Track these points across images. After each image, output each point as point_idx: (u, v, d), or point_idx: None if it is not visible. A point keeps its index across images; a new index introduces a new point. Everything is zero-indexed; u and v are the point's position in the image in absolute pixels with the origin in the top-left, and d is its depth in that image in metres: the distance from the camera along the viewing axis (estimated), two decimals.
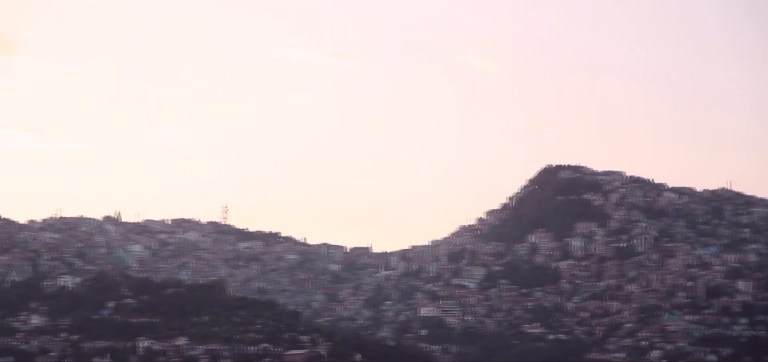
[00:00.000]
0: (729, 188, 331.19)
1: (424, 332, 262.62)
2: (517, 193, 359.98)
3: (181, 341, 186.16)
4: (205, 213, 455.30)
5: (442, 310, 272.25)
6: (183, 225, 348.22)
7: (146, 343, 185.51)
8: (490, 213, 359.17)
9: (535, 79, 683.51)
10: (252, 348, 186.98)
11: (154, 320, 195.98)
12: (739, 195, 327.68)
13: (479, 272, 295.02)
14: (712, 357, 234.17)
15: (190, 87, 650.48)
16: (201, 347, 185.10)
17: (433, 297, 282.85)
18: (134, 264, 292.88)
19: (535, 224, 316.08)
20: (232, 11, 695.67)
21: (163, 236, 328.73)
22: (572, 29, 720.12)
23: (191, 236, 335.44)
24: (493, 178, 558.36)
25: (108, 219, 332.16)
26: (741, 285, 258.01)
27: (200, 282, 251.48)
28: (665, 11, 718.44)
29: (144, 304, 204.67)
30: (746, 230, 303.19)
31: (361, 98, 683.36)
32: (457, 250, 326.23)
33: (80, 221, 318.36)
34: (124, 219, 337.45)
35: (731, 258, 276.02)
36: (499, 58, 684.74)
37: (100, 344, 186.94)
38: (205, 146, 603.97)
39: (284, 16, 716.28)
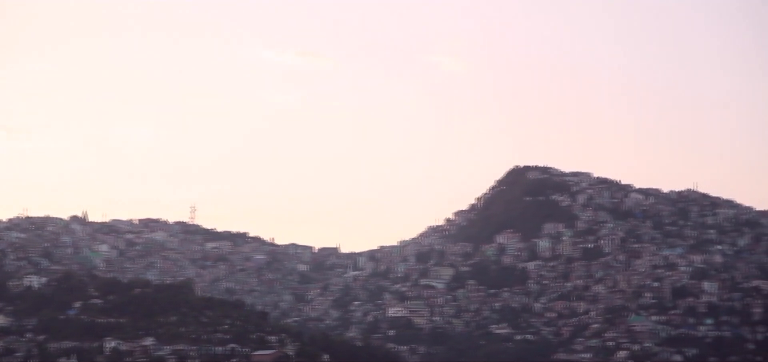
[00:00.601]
0: (695, 190, 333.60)
1: (392, 332, 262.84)
2: (485, 194, 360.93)
3: (149, 341, 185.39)
4: (172, 213, 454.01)
5: (410, 311, 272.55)
6: (150, 225, 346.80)
7: (113, 343, 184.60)
8: (458, 213, 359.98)
9: (504, 80, 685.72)
10: (219, 348, 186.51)
11: (121, 320, 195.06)
12: (704, 196, 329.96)
13: (447, 272, 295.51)
14: (678, 358, 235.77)
15: (158, 86, 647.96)
16: (168, 347, 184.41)
17: (401, 298, 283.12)
18: (101, 264, 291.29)
19: (502, 225, 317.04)
20: (201, 11, 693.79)
21: (130, 236, 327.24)
22: (540, 31, 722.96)
23: (158, 236, 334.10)
24: (461, 179, 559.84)
25: (75, 218, 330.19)
26: (706, 285, 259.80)
27: (167, 282, 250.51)
28: (631, 12, 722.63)
29: (111, 304, 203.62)
30: (712, 231, 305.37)
31: (330, 98, 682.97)
32: (425, 251, 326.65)
33: (47, 220, 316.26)
34: (90, 218, 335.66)
35: (697, 259, 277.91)
36: (468, 58, 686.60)
37: (67, 344, 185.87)
38: (173, 146, 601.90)
39: (254, 17, 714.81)
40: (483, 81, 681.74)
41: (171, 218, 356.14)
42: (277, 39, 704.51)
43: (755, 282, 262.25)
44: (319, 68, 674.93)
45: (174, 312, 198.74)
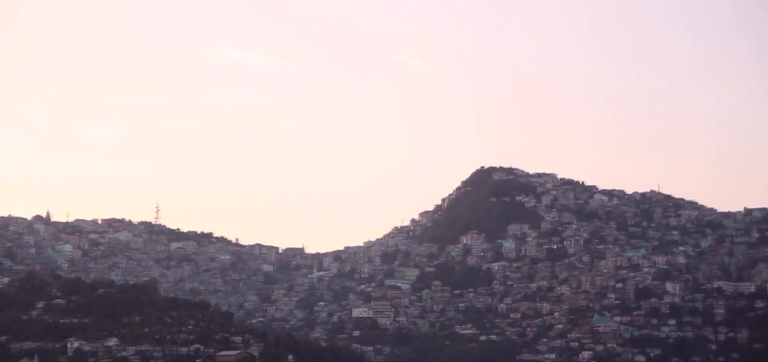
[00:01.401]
0: (658, 191, 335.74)
1: (356, 333, 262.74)
2: (451, 195, 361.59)
3: (112, 342, 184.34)
4: (137, 213, 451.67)
5: (375, 311, 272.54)
6: (114, 225, 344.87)
7: (76, 344, 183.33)
8: (424, 214, 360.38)
9: (470, 81, 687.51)
10: (184, 349, 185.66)
11: (84, 321, 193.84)
12: (668, 198, 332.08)
13: (412, 273, 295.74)
14: (641, 358, 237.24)
15: (123, 85, 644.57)
16: (132, 348, 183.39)
17: (366, 298, 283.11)
18: (64, 265, 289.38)
19: (468, 226, 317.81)
20: (167, 9, 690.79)
21: (94, 236, 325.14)
22: (506, 33, 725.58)
23: (123, 236, 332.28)
24: (426, 180, 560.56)
25: (38, 218, 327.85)
26: (669, 286, 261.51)
27: (132, 282, 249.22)
28: (596, 15, 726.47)
29: (74, 305, 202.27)
30: (675, 233, 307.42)
31: (296, 98, 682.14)
32: (390, 251, 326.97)
33: (9, 220, 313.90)
34: (54, 218, 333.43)
35: (660, 260, 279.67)
36: (434, 59, 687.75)
37: (29, 345, 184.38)
38: (138, 145, 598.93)
39: (220, 15, 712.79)
40: (449, 82, 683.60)
41: (135, 218, 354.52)
42: (244, 38, 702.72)
43: (717, 283, 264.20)
44: (285, 68, 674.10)
45: (138, 313, 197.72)
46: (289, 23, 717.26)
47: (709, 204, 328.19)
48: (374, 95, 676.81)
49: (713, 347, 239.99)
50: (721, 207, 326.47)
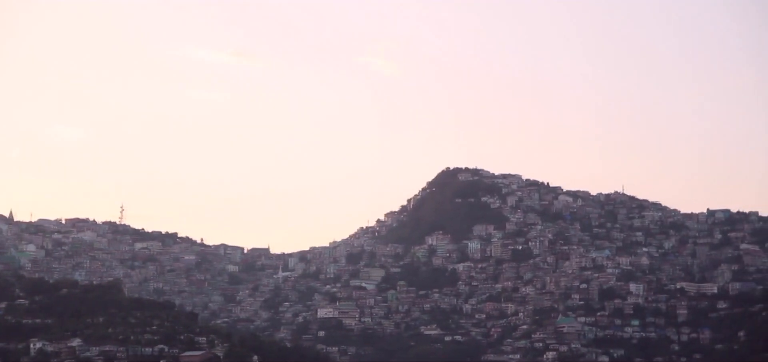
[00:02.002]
0: (622, 192, 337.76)
1: (322, 333, 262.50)
2: (416, 196, 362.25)
3: (76, 342, 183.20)
4: (101, 213, 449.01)
5: (341, 312, 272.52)
6: (78, 224, 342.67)
7: (39, 344, 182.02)
8: (389, 215, 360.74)
9: (436, 82, 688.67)
10: (148, 349, 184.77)
11: (47, 321, 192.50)
12: (632, 199, 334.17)
13: (378, 274, 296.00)
14: (605, 358, 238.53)
15: (88, 85, 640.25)
16: (96, 348, 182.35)
17: (332, 299, 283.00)
18: (27, 265, 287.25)
19: (433, 226, 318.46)
20: (133, 9, 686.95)
21: (57, 236, 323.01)
22: (472, 33, 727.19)
23: (87, 236, 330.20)
24: (392, 180, 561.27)
25: (0, 218, 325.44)
26: (633, 287, 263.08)
27: (96, 282, 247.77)
28: (557, 15, 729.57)
29: (37, 305, 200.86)
30: (639, 233, 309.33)
31: (263, 98, 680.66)
32: (355, 252, 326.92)
33: None
34: (17, 218, 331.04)
35: (624, 261, 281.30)
36: (400, 60, 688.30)
37: None
38: (102, 145, 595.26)
39: (186, 15, 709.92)
40: (415, 83, 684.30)
41: (99, 218, 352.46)
42: (210, 38, 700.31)
43: (680, 284, 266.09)
44: (251, 68, 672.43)
45: (102, 313, 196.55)
46: (256, 23, 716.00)
47: (672, 206, 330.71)
48: (340, 96, 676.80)
49: (676, 347, 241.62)
50: (684, 209, 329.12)
